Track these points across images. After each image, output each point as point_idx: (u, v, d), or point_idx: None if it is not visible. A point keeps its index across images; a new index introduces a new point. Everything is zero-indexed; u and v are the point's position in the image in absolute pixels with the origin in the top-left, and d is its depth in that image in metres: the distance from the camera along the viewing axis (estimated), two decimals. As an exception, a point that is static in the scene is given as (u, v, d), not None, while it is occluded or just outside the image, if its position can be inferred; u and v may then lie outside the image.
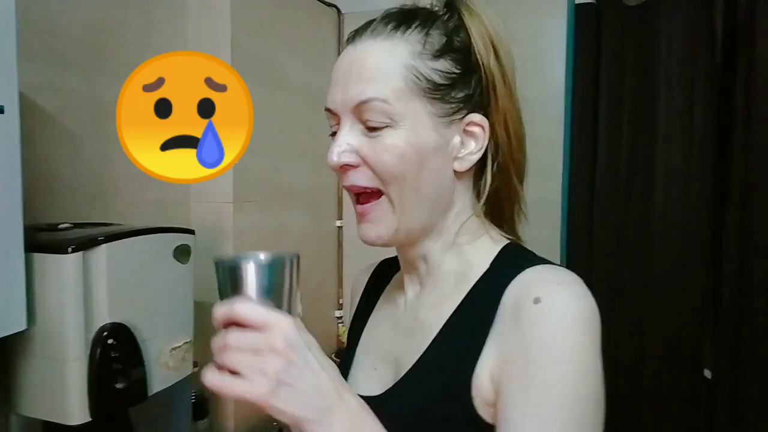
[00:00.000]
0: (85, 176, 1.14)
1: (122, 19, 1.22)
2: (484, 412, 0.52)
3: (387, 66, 0.55)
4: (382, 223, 0.58)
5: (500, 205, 0.63)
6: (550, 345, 0.49)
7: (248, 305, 0.47)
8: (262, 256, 0.49)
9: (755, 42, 1.45)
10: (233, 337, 0.46)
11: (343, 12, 1.94)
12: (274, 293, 0.49)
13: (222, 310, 0.47)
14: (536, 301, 0.50)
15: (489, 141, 0.59)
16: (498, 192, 0.61)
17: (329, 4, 1.88)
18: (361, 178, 0.57)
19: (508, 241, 0.62)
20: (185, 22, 1.41)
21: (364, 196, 0.59)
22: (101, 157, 1.18)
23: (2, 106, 0.75)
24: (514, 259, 0.58)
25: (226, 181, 1.41)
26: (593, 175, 1.71)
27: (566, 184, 1.74)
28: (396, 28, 0.57)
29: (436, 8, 0.60)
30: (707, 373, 1.58)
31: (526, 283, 0.53)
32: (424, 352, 0.58)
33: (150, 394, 0.96)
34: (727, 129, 1.54)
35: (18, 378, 0.88)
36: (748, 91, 1.46)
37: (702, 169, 1.57)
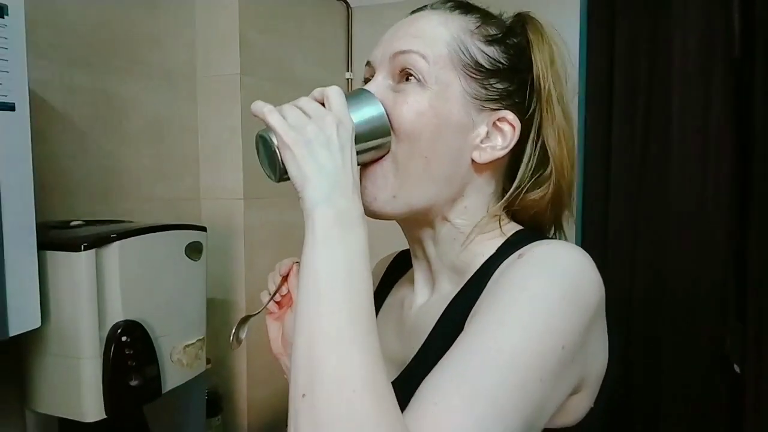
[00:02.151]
0: (94, 173, 1.14)
1: (130, 16, 1.22)
2: None
3: (436, 31, 0.56)
4: (380, 184, 0.56)
5: (542, 221, 0.62)
6: (518, 277, 0.48)
7: (341, 95, 0.52)
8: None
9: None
10: (305, 100, 0.52)
11: (352, 6, 1.92)
12: (363, 129, 0.53)
13: (320, 88, 0.53)
14: (519, 256, 0.50)
15: (535, 150, 0.58)
16: (542, 207, 0.59)
17: (338, -1, 1.86)
18: None
19: (519, 228, 0.60)
20: (193, 18, 1.40)
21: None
22: (110, 154, 1.18)
23: (13, 103, 0.74)
24: (518, 243, 0.55)
25: (236, 177, 1.40)
26: (608, 167, 1.68)
27: (581, 175, 1.72)
28: (456, 8, 0.58)
29: (504, 15, 0.62)
30: (736, 368, 1.54)
31: (518, 252, 0.52)
32: (419, 350, 0.57)
33: (164, 391, 0.95)
34: (746, 122, 1.50)
35: (33, 375, 0.88)
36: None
37: (719, 166, 1.53)
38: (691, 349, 1.56)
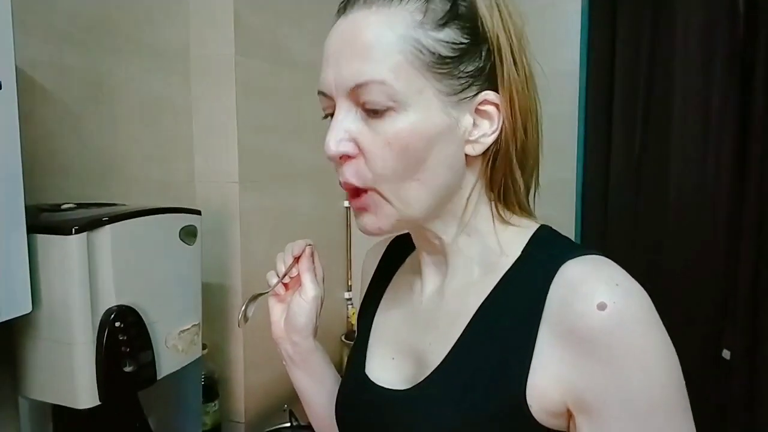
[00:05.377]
0: (86, 155, 1.12)
1: (122, -7, 1.18)
2: (545, 420, 0.49)
3: (383, 40, 0.49)
4: (380, 214, 0.54)
5: (498, 188, 0.56)
6: (638, 355, 0.47)
7: None
8: None
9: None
10: None
11: (348, -14, 1.88)
12: None
13: None
14: (601, 307, 0.46)
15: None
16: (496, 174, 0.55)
17: (334, -22, 1.82)
18: (355, 176, 0.52)
19: (538, 226, 0.58)
20: (187, -4, 1.37)
21: (357, 190, 0.54)
22: (102, 135, 1.15)
23: (-1, 81, 0.72)
24: (549, 248, 0.54)
25: (231, 160, 1.38)
26: (608, 154, 1.67)
27: (581, 162, 1.71)
28: None
29: None
30: (726, 354, 1.55)
31: (576, 283, 0.49)
32: (456, 345, 0.55)
33: (159, 377, 0.94)
34: (746, 107, 1.48)
35: (25, 361, 0.87)
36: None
37: (719, 149, 1.52)
38: (686, 336, 1.57)
